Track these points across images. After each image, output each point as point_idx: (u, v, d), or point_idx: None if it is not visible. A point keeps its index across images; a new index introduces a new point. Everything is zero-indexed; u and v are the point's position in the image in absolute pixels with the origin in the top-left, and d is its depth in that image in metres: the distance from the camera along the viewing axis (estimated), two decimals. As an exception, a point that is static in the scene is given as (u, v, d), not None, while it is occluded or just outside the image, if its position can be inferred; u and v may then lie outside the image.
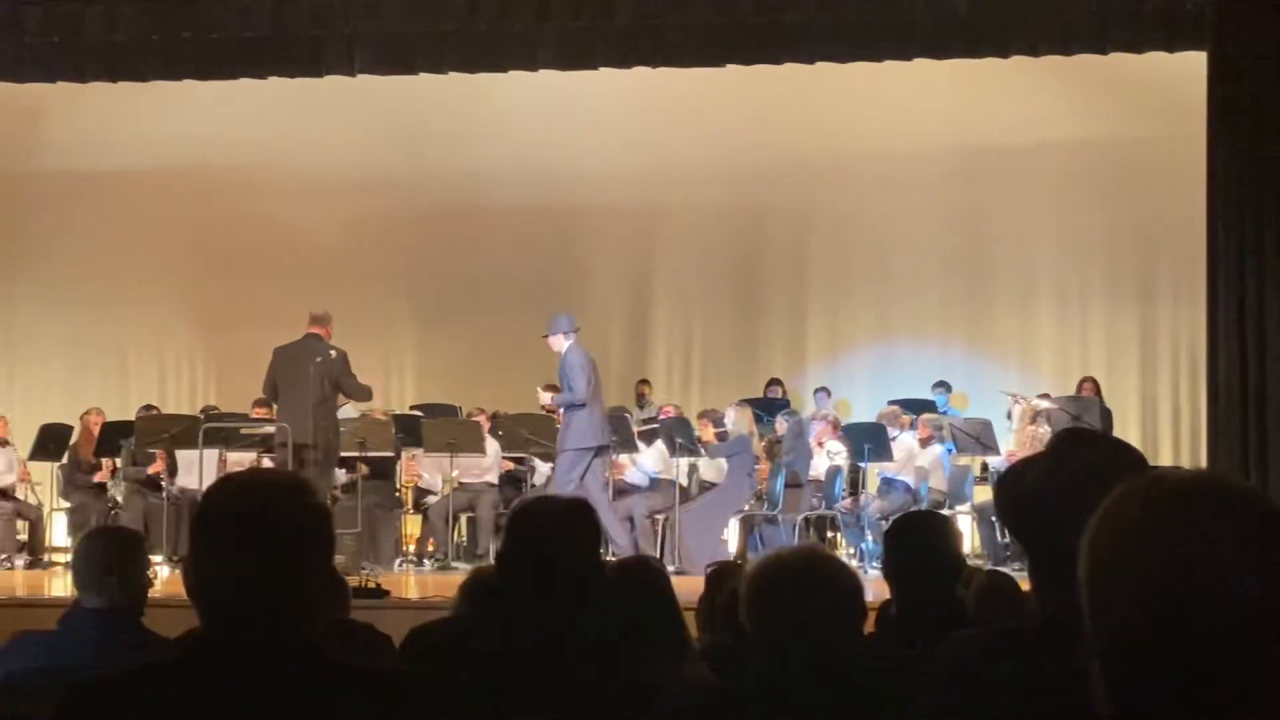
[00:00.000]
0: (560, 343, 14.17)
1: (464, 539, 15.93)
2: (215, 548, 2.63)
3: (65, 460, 16.05)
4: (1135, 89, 17.70)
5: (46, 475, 16.47)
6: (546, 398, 14.68)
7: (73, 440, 16.08)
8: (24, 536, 15.85)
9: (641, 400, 18.68)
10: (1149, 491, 1.84)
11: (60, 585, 12.88)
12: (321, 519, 2.68)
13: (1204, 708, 1.75)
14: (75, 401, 17.61)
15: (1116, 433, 15.24)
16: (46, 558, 15.45)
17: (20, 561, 15.44)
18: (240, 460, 14.68)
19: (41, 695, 4.90)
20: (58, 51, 15.39)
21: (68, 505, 15.97)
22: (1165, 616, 1.76)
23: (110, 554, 5.49)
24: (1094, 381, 17.28)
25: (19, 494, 16.06)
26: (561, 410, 14.30)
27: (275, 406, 13.99)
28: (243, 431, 14.43)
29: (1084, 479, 2.64)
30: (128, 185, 19.45)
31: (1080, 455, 2.76)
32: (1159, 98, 17.55)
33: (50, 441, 16.03)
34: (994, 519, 14.70)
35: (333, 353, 13.59)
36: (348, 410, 15.70)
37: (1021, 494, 2.78)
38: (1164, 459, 17.68)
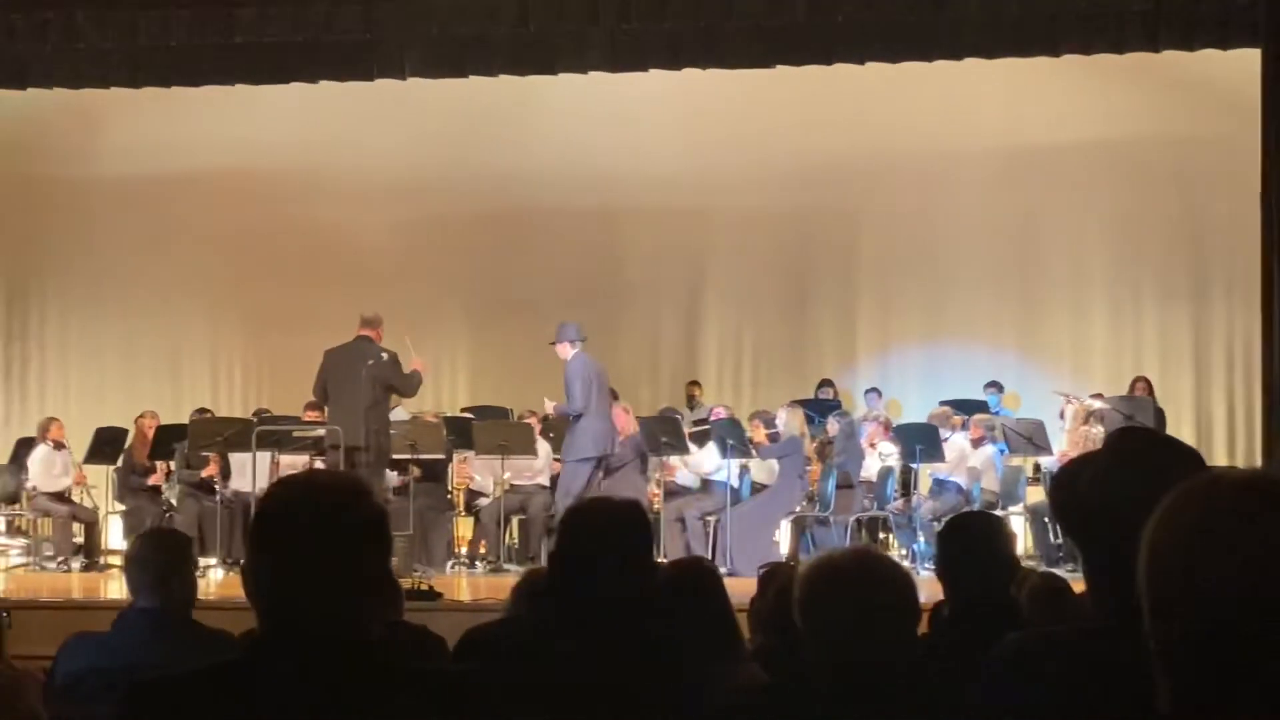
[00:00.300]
0: (566, 350, 14.17)
1: (515, 541, 15.94)
2: (275, 549, 2.63)
3: (120, 463, 16.14)
4: (1188, 87, 17.61)
5: (102, 478, 16.55)
6: (550, 405, 14.62)
7: (127, 443, 16.16)
8: (80, 539, 15.93)
9: (692, 402, 18.67)
10: (1207, 491, 1.84)
11: (116, 587, 12.93)
12: (380, 521, 2.68)
13: (1265, 706, 1.75)
14: (130, 405, 17.71)
15: (1170, 433, 15.16)
16: (102, 560, 15.51)
17: (76, 564, 15.52)
18: (293, 463, 14.73)
19: (98, 696, 4.94)
20: (112, 57, 15.49)
21: (123, 508, 16.05)
22: (1224, 616, 1.75)
23: (161, 555, 5.52)
24: (1147, 381, 17.20)
25: (75, 497, 16.15)
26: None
27: (326, 409, 14.03)
28: (295, 434, 14.48)
29: (1140, 478, 2.62)
30: (181, 189, 19.53)
31: (1136, 454, 2.74)
32: (1212, 96, 17.47)
33: (105, 445, 16.12)
34: (1047, 520, 14.67)
35: (384, 355, 13.61)
36: (399, 412, 15.73)
37: (1077, 493, 2.77)
38: (1218, 459, 17.57)
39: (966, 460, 15.35)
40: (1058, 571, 8.22)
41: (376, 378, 13.44)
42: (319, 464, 14.22)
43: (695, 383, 19.22)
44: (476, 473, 16.23)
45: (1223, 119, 17.04)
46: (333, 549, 2.59)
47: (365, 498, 2.68)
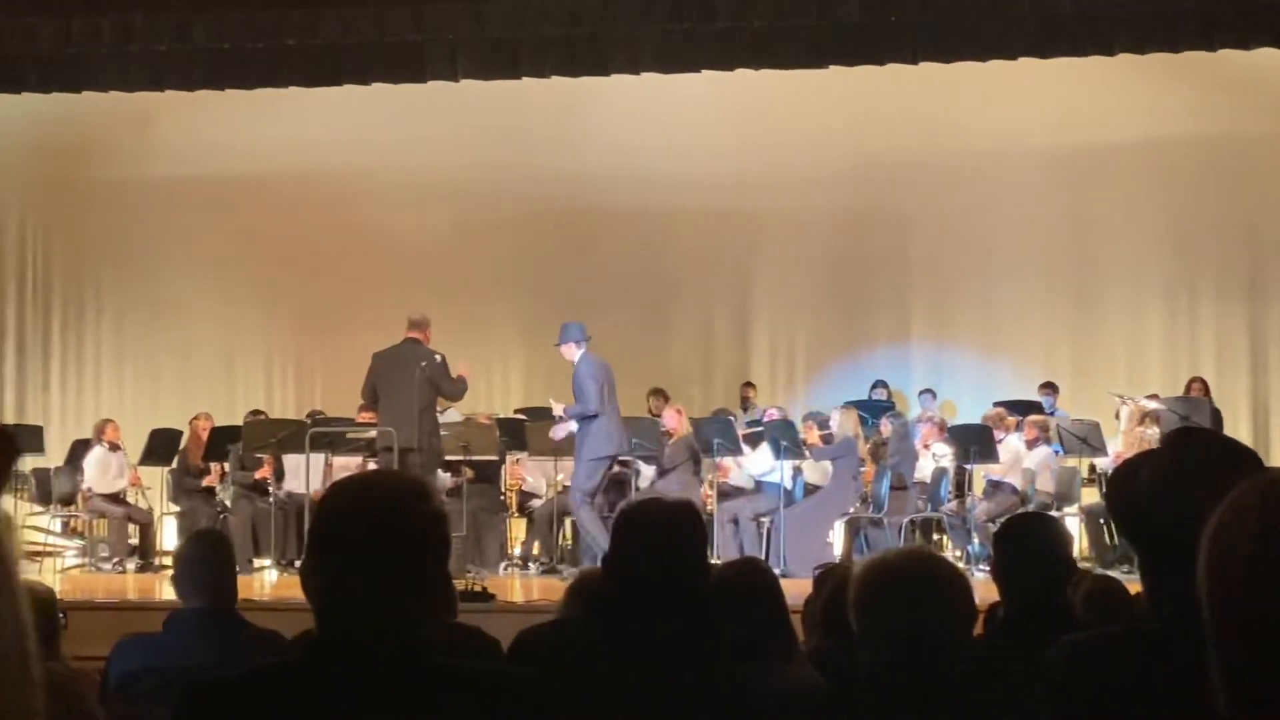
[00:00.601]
0: (573, 351, 14.08)
1: (569, 542, 15.94)
2: (334, 550, 2.63)
3: (175, 465, 16.21)
4: (1242, 85, 17.51)
5: (157, 480, 16.63)
6: (559, 408, 14.54)
7: (182, 445, 16.24)
8: (135, 540, 16.01)
9: (746, 403, 18.63)
10: (1267, 491, 1.82)
11: (171, 588, 12.98)
12: (441, 524, 2.68)
13: None
14: (184, 407, 17.79)
15: (1226, 433, 15.06)
16: (157, 561, 15.57)
17: (132, 565, 15.61)
18: (346, 464, 14.78)
19: (151, 696, 4.96)
20: (165, 60, 15.57)
21: (177, 509, 16.12)
22: None
23: (208, 555, 5.56)
24: (1203, 382, 17.08)
25: (130, 498, 16.23)
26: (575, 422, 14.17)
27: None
28: (348, 436, 14.51)
29: (1197, 478, 2.61)
30: (235, 192, 19.61)
31: (1193, 454, 2.73)
32: (1268, 94, 17.37)
33: (160, 446, 16.20)
34: (1102, 521, 14.61)
35: (437, 357, 13.65)
36: (452, 414, 15.76)
37: (1133, 493, 2.75)
38: (1276, 459, 17.44)
39: (1021, 461, 15.29)
40: (1113, 573, 8.19)
41: (430, 379, 13.47)
42: (372, 465, 14.26)
43: (749, 384, 19.18)
44: (529, 474, 16.24)
45: (1277, 117, 16.95)
46: (392, 551, 2.59)
47: (426, 500, 2.67)
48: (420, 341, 13.76)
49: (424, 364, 13.44)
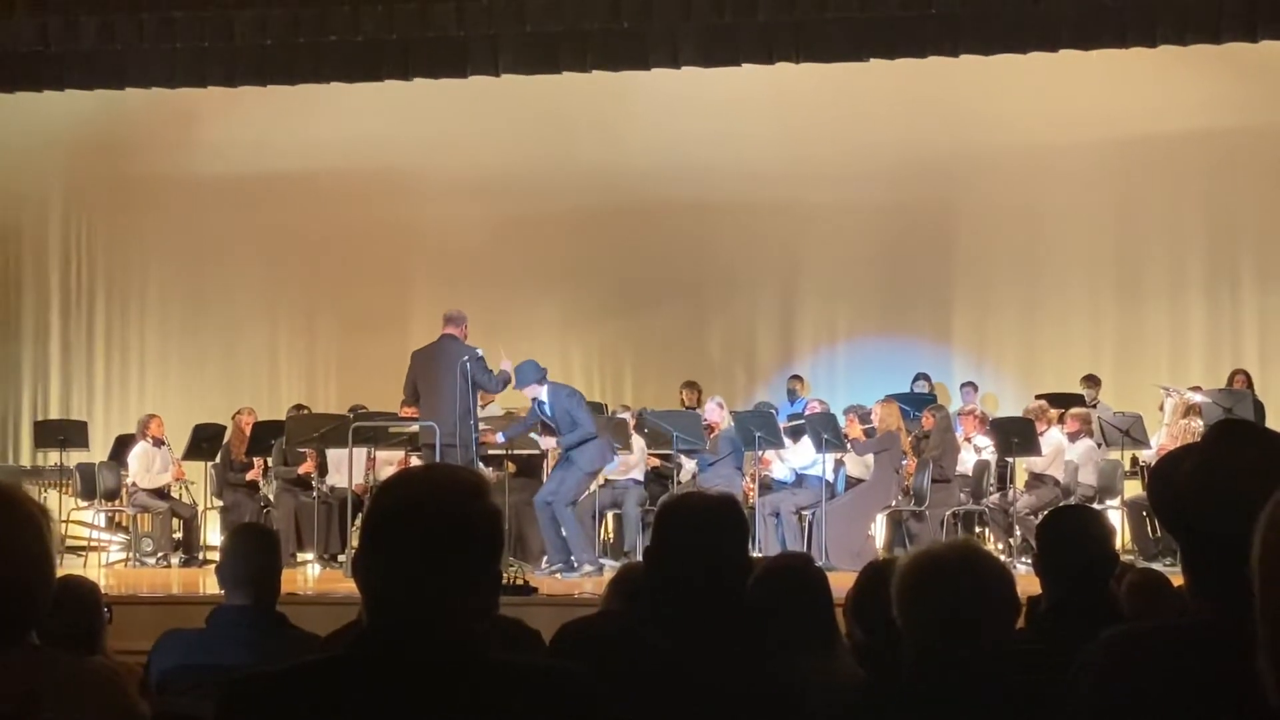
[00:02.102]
0: (537, 390, 14.15)
1: (611, 536, 15.97)
2: (389, 544, 2.62)
3: (218, 460, 16.28)
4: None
5: (200, 474, 16.70)
6: (549, 443, 14.64)
7: (225, 440, 16.30)
8: (179, 535, 16.08)
9: (793, 396, 18.61)
10: None
11: (215, 583, 13.03)
12: (495, 520, 2.67)
13: None
14: (228, 402, 17.87)
15: (1270, 426, 14.99)
16: (201, 555, 15.65)
17: (176, 559, 15.68)
18: (389, 459, 14.82)
19: (193, 691, 4.98)
20: (208, 56, 15.64)
21: (221, 504, 16.18)
22: None
23: (252, 551, 5.56)
24: (1246, 374, 17.00)
25: (174, 493, 16.30)
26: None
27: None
28: (391, 430, 14.54)
29: (1240, 472, 2.60)
30: (278, 188, 19.68)
31: (1236, 448, 2.72)
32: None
33: (204, 441, 16.28)
34: (1145, 513, 14.56)
35: (478, 353, 13.68)
36: (494, 408, 15.80)
37: (1175, 487, 2.75)
38: (1320, 452, 17.32)
39: (1063, 454, 15.24)
40: (1156, 566, 8.16)
41: (466, 375, 13.49)
42: (414, 460, 14.30)
43: (797, 377, 19.14)
44: (571, 468, 16.24)
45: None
46: (446, 547, 2.58)
47: (482, 496, 2.67)
48: (457, 338, 13.79)
49: (465, 359, 13.48)
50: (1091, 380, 17.71)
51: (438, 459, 13.02)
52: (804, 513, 15.15)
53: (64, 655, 2.62)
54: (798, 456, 15.40)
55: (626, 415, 16.06)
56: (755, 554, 11.22)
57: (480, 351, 13.71)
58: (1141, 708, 2.61)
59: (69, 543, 16.75)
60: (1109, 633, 2.77)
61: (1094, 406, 16.79)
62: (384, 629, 2.61)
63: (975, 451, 15.59)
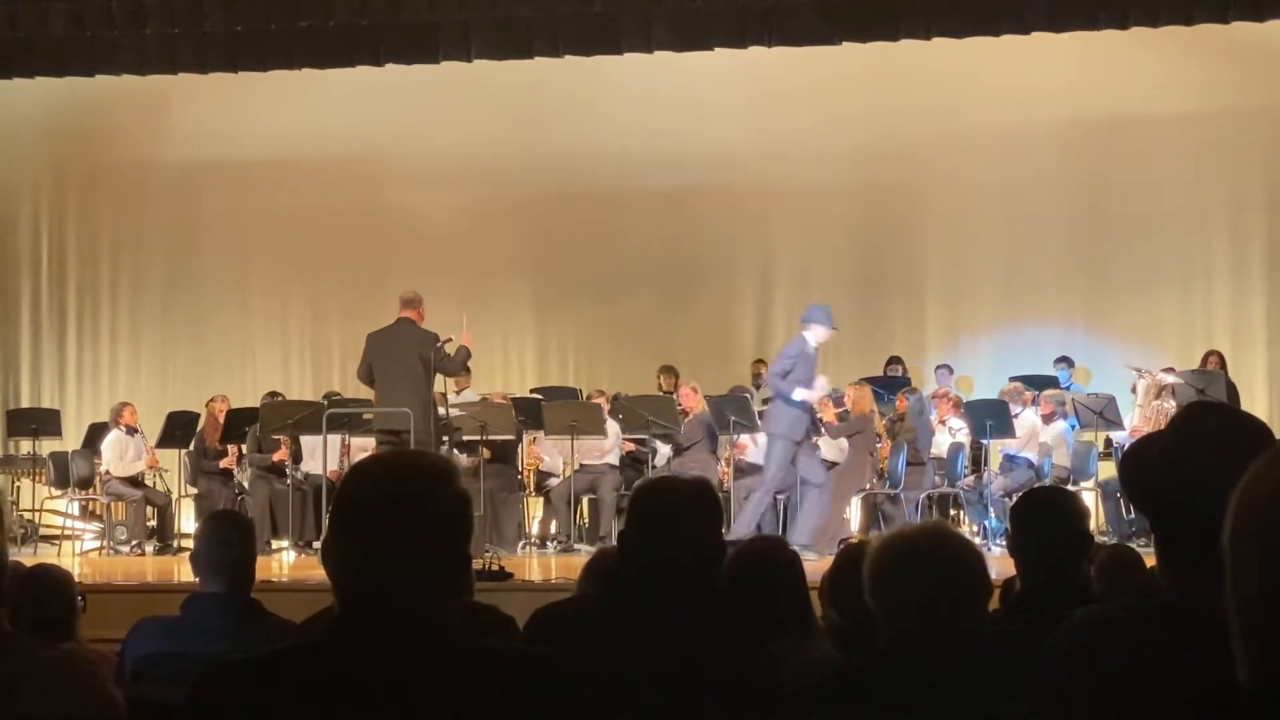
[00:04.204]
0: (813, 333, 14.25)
1: (586, 521, 15.99)
2: (357, 530, 2.63)
3: (192, 447, 16.24)
4: (1258, 58, 17.46)
5: (174, 462, 16.67)
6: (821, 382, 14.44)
7: (199, 428, 16.27)
8: (153, 523, 16.06)
9: (758, 380, 18.62)
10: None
11: (189, 570, 13.00)
12: (464, 505, 2.68)
13: None
14: (201, 389, 17.84)
15: (1244, 407, 15.04)
16: (176, 543, 15.62)
17: (150, 548, 15.66)
18: (363, 445, 14.80)
19: (169, 679, 4.97)
20: (179, 43, 15.59)
21: (195, 492, 16.15)
22: None
23: (226, 538, 5.55)
24: (1219, 355, 17.05)
25: (148, 481, 16.27)
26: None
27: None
28: (365, 417, 14.52)
29: (1210, 452, 2.61)
30: (249, 174, 19.63)
31: (1206, 428, 2.73)
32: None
33: (177, 429, 16.23)
34: (1119, 495, 14.59)
35: (434, 337, 13.52)
36: (469, 394, 15.78)
37: (1146, 468, 2.75)
38: (1292, 432, 17.38)
39: (1037, 436, 15.28)
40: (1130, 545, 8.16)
41: (425, 359, 13.40)
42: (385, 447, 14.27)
43: (761, 361, 19.12)
44: (546, 453, 16.25)
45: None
46: (415, 531, 2.59)
47: (450, 481, 2.67)
48: (415, 321, 13.68)
49: (423, 344, 13.35)
50: (1065, 362, 17.76)
51: (413, 445, 12.98)
52: (779, 496, 15.15)
53: (36, 643, 2.60)
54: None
55: (601, 400, 16.05)
56: (730, 538, 11.22)
57: (435, 337, 13.53)
58: (1114, 687, 2.61)
59: (43, 532, 16.72)
60: (1081, 612, 2.78)
61: (1067, 388, 16.83)
62: (354, 614, 2.61)
63: (950, 434, 15.62)
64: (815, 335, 14.13)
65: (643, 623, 3.85)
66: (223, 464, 15.97)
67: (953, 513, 15.58)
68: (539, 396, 16.67)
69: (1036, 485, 13.52)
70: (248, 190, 19.72)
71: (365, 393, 15.61)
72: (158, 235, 20.15)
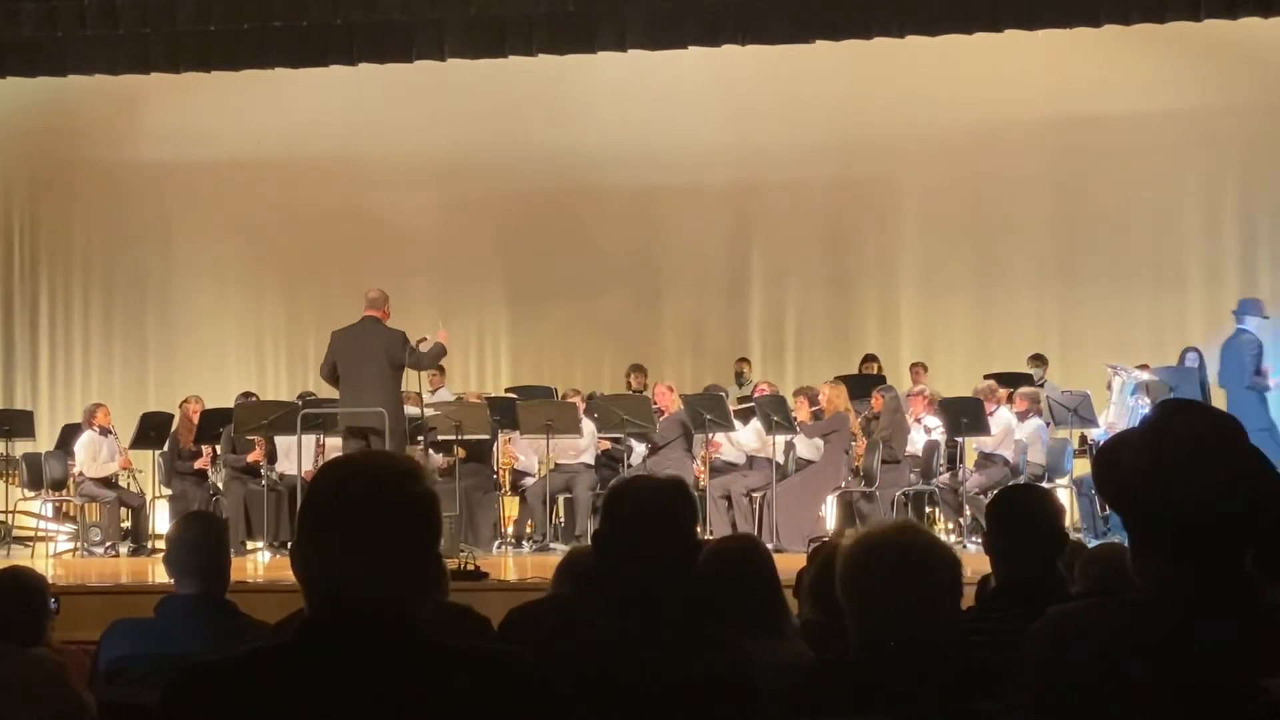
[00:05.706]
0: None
1: (561, 520, 15.97)
2: (325, 530, 2.63)
3: (166, 448, 16.20)
4: (1230, 56, 17.50)
5: (148, 463, 16.63)
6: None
7: (173, 428, 16.22)
8: (127, 524, 16.01)
9: (740, 378, 18.64)
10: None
11: (164, 572, 12.98)
12: (432, 504, 2.68)
13: None
14: (174, 390, 17.80)
15: (1216, 405, 15.07)
16: (150, 545, 15.57)
17: (124, 549, 15.61)
18: (338, 445, 14.76)
19: (142, 680, 4.96)
20: (151, 42, 15.54)
21: (169, 493, 16.11)
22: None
23: (200, 539, 5.53)
24: (1198, 352, 17.07)
25: (122, 482, 16.22)
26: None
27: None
28: (340, 417, 14.48)
29: (1179, 449, 2.61)
30: (224, 174, 19.60)
31: (1178, 425, 2.73)
32: (1255, 64, 17.36)
33: (151, 430, 16.18)
34: (1093, 492, 14.61)
35: (399, 335, 13.46)
36: (444, 393, 15.75)
37: (1119, 466, 2.75)
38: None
39: (1012, 433, 15.30)
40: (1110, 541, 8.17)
41: (391, 358, 13.35)
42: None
43: (744, 359, 19.17)
44: (521, 452, 16.22)
45: (1267, 88, 16.95)
46: (382, 531, 2.59)
47: (416, 480, 2.68)
48: (380, 320, 13.62)
49: (388, 343, 13.29)
50: (1039, 359, 17.78)
51: (387, 445, 12.95)
52: (755, 495, 15.17)
53: (6, 647, 2.60)
54: (748, 439, 15.42)
55: (576, 399, 16.05)
56: (706, 536, 11.25)
57: (401, 336, 13.46)
58: (1088, 684, 2.61)
59: (16, 533, 16.66)
60: (1055, 609, 2.78)
61: (1042, 385, 16.86)
62: (323, 616, 2.61)
63: (925, 432, 15.64)
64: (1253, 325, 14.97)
65: (617, 622, 3.84)
66: (197, 465, 15.92)
67: (928, 510, 15.59)
68: (514, 396, 16.66)
69: (1012, 483, 13.53)
70: (221, 190, 19.68)
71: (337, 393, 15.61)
72: (131, 235, 20.11)
